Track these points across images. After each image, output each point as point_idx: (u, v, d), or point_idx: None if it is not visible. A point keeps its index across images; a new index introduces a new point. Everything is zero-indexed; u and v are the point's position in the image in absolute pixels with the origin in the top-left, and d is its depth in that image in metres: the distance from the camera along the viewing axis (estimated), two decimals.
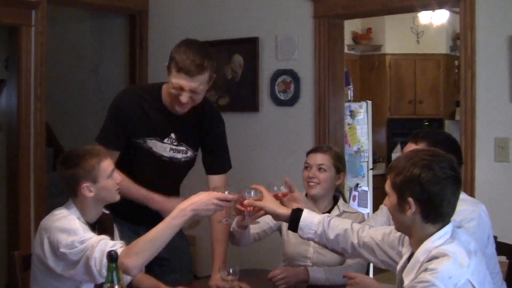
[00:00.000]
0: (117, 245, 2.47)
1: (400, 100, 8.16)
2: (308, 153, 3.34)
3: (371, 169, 6.26)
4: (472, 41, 3.95)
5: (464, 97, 4.00)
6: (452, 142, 2.86)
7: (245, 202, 2.66)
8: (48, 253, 2.56)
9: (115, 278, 2.14)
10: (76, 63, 6.18)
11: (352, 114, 5.62)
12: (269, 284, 2.99)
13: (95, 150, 2.72)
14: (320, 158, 3.26)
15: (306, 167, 3.29)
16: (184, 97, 2.89)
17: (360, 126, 5.76)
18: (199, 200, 2.52)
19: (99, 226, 2.77)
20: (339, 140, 4.55)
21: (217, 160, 3.30)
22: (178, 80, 2.88)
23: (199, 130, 3.18)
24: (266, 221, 3.25)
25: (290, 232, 3.24)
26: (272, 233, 3.34)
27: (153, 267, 3.23)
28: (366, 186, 6.05)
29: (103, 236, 2.54)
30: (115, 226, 2.94)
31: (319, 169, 3.25)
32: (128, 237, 3.12)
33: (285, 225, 3.30)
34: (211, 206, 2.53)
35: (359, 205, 5.82)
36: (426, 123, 8.19)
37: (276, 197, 2.71)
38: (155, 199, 3.06)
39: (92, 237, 2.52)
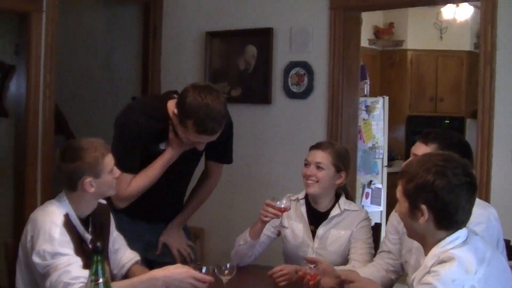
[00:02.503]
0: (80, 280, 2.34)
1: (420, 97, 8.02)
2: (310, 149, 3.22)
3: (386, 166, 6.12)
4: (493, 37, 3.80)
5: (483, 94, 3.86)
6: (465, 146, 2.73)
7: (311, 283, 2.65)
8: (29, 250, 2.50)
9: (100, 271, 2.05)
10: (89, 52, 6.11)
11: (368, 110, 5.48)
12: (269, 281, 2.88)
13: (98, 143, 2.63)
14: (319, 156, 3.15)
15: (305, 164, 3.18)
16: (202, 147, 2.98)
17: (376, 122, 5.61)
18: (175, 274, 2.44)
19: (93, 219, 2.70)
20: (352, 136, 4.42)
21: (220, 152, 3.30)
22: (198, 139, 2.89)
23: None
24: (267, 234, 3.19)
25: (289, 233, 3.17)
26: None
27: (155, 268, 3.18)
28: (380, 184, 5.90)
29: (74, 261, 2.43)
30: (111, 216, 2.86)
31: (317, 167, 3.13)
32: (126, 230, 3.08)
33: (286, 225, 3.20)
34: (185, 285, 2.43)
35: (372, 203, 5.69)
36: (446, 121, 8.05)
37: (304, 275, 2.68)
38: None
39: (64, 255, 2.42)
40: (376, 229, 3.33)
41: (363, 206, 5.50)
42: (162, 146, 3.06)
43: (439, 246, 2.08)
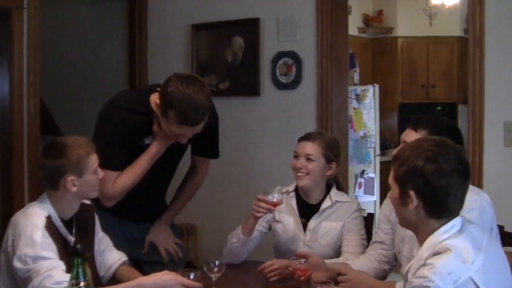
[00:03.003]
0: (63, 285, 2.25)
1: (412, 85, 7.98)
2: (298, 140, 3.14)
3: (379, 155, 6.04)
4: (481, 19, 3.73)
5: (473, 78, 3.81)
6: (455, 131, 2.67)
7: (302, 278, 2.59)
8: (10, 254, 2.42)
9: (81, 274, 1.98)
10: (77, 47, 6.04)
11: (358, 98, 5.40)
12: (259, 277, 2.82)
13: (83, 141, 2.55)
14: (308, 147, 3.06)
15: (295, 156, 3.11)
16: (185, 140, 2.87)
17: (367, 111, 5.54)
18: (163, 281, 2.38)
19: (77, 220, 2.63)
20: (343, 125, 4.36)
21: (206, 147, 3.23)
22: (180, 130, 2.81)
23: None
24: (258, 229, 3.13)
25: (279, 227, 3.11)
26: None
27: (143, 267, 3.12)
28: (373, 173, 5.82)
29: (57, 265, 2.35)
30: (96, 217, 2.79)
31: (307, 159, 3.05)
32: (112, 228, 3.01)
33: (277, 218, 3.14)
34: None
35: (365, 193, 5.63)
36: (438, 108, 8.01)
37: (295, 271, 2.61)
38: None
39: (47, 259, 2.35)
40: (369, 219, 3.28)
41: (356, 196, 5.45)
42: (147, 140, 2.98)
43: (434, 236, 2.01)
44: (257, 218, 2.98)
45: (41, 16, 4.67)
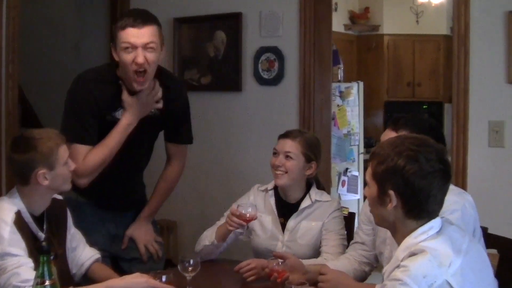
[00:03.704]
0: (30, 283, 2.15)
1: (398, 83, 7.95)
2: (278, 138, 3.08)
3: (363, 153, 5.99)
4: (466, 17, 3.69)
5: (457, 77, 3.76)
6: (437, 131, 2.61)
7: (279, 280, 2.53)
8: None
9: (46, 273, 1.91)
10: (57, 40, 5.95)
11: (342, 95, 5.35)
12: (236, 276, 2.75)
13: (53, 133, 2.49)
14: (288, 145, 3.00)
15: (274, 153, 3.04)
16: (140, 57, 2.71)
17: (351, 108, 5.48)
18: (134, 284, 2.32)
19: (48, 216, 2.55)
20: (325, 122, 4.29)
21: (177, 131, 3.13)
22: (126, 37, 2.72)
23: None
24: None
25: (257, 226, 3.05)
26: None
27: (120, 264, 3.06)
28: (357, 171, 5.76)
29: (25, 262, 2.28)
30: (69, 213, 2.72)
31: (286, 156, 2.99)
32: (89, 222, 2.95)
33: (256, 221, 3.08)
34: None
35: (348, 191, 5.58)
36: (424, 107, 7.99)
37: (272, 272, 2.56)
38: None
39: (14, 256, 2.28)
40: (350, 219, 3.23)
41: (339, 194, 5.40)
42: (118, 115, 2.89)
43: (411, 237, 1.96)
44: (230, 230, 2.92)
45: (21, 7, 4.58)
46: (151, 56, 2.75)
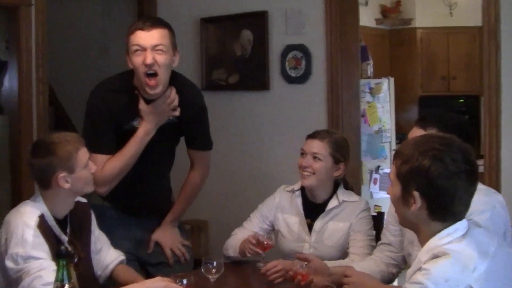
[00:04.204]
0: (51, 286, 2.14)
1: (432, 77, 7.80)
2: (306, 138, 3.04)
3: (394, 150, 5.87)
4: (496, 8, 3.59)
5: (488, 70, 3.66)
6: (466, 129, 2.53)
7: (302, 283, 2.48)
8: (3, 254, 2.37)
9: (65, 276, 1.92)
10: (85, 42, 6.01)
11: (372, 92, 5.27)
12: (261, 278, 2.72)
13: (71, 137, 2.51)
14: (316, 146, 2.96)
15: (301, 154, 3.00)
16: (148, 58, 2.72)
17: (381, 105, 5.40)
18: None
19: (72, 218, 2.57)
20: (354, 119, 4.24)
21: (196, 137, 3.13)
22: (136, 40, 2.75)
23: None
24: (259, 226, 3.08)
25: (283, 228, 3.02)
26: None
27: (148, 268, 3.06)
28: (389, 169, 5.67)
29: (47, 265, 2.28)
30: (93, 215, 2.73)
31: (314, 157, 2.95)
32: (115, 227, 2.96)
33: (280, 219, 3.05)
34: None
35: (380, 189, 5.49)
36: (460, 101, 7.83)
37: (295, 275, 2.51)
38: None
39: (38, 260, 2.29)
40: (379, 219, 3.16)
41: (371, 192, 5.33)
42: (135, 123, 2.90)
43: (435, 239, 1.91)
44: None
45: (49, 12, 4.63)
46: (160, 58, 2.76)
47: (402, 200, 1.97)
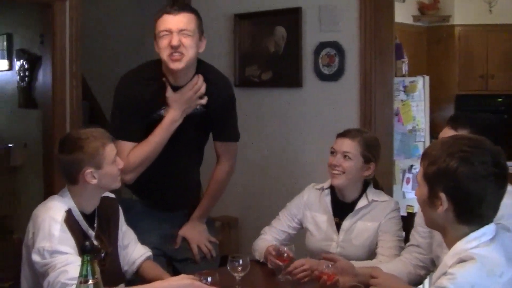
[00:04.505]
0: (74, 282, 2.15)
1: (469, 75, 7.67)
2: (337, 136, 2.99)
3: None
4: None
5: None
6: (499, 130, 2.48)
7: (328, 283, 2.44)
8: (30, 248, 2.38)
9: (89, 272, 1.91)
10: (121, 36, 6.04)
11: (407, 90, 5.19)
12: (287, 276, 2.69)
13: (98, 132, 2.50)
14: (346, 145, 2.91)
15: (331, 152, 2.96)
16: (174, 39, 2.72)
17: (416, 103, 5.31)
18: (177, 286, 2.28)
19: (99, 214, 2.57)
20: (387, 117, 4.17)
21: (222, 127, 3.08)
22: (162, 24, 2.76)
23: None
24: (288, 232, 3.06)
25: (311, 226, 2.98)
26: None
27: (174, 264, 3.06)
28: None
29: (73, 260, 2.28)
30: (121, 211, 2.73)
31: (344, 156, 2.90)
32: (143, 221, 2.96)
33: (309, 217, 3.02)
34: None
35: (413, 189, 5.39)
36: (499, 100, 7.70)
37: (321, 275, 2.46)
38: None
39: (63, 254, 2.29)
40: (409, 220, 3.10)
41: (403, 192, 5.25)
42: (163, 112, 2.88)
43: (462, 242, 1.87)
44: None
45: (84, 6, 4.67)
46: (186, 40, 2.75)
47: (428, 202, 1.94)
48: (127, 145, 2.82)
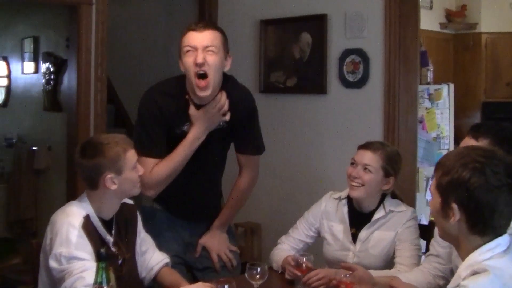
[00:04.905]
0: None
1: (496, 83, 7.60)
2: (358, 148, 2.96)
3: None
4: None
5: None
6: None
7: None
8: (48, 253, 2.39)
9: (104, 279, 1.92)
10: (147, 42, 6.08)
11: (431, 98, 5.15)
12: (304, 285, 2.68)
13: (120, 138, 2.50)
14: (368, 157, 2.88)
15: (352, 163, 2.93)
16: (199, 57, 2.71)
17: (441, 111, 5.26)
18: None
19: (118, 220, 2.57)
20: (411, 125, 4.13)
21: (244, 141, 3.07)
22: (188, 40, 2.76)
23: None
24: (305, 241, 3.05)
25: (328, 235, 2.97)
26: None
27: (194, 272, 3.06)
28: None
29: (90, 266, 2.25)
30: (139, 217, 2.73)
31: (365, 169, 2.87)
32: (164, 229, 2.97)
33: (326, 226, 3.00)
34: None
35: None
36: None
37: (339, 284, 2.45)
38: None
39: (80, 260, 2.29)
40: (428, 229, 3.06)
41: (427, 200, 5.20)
42: (187, 128, 2.88)
43: (475, 254, 1.84)
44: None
45: (109, 11, 4.70)
46: (211, 58, 2.74)
47: (441, 213, 1.92)
48: (150, 161, 2.82)
